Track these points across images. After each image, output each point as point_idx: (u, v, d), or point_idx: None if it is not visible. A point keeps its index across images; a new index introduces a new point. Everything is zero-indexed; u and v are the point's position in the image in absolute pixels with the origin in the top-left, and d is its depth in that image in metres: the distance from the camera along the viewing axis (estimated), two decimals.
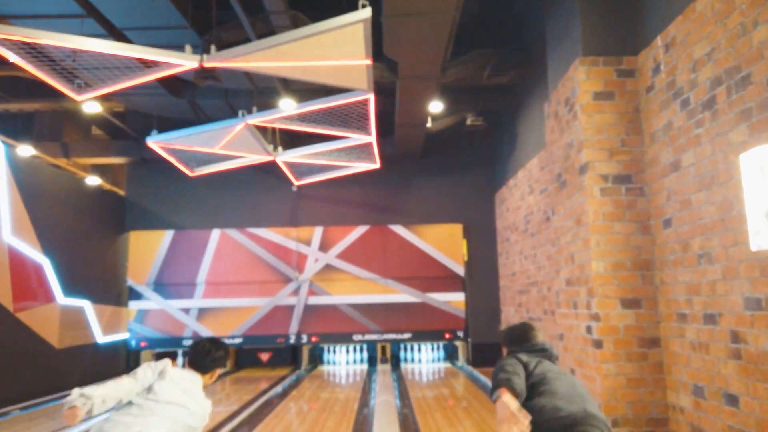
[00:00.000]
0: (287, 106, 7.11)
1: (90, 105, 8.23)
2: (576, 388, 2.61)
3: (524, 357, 2.77)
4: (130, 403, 2.74)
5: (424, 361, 11.38)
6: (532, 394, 2.57)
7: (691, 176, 4.32)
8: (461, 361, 11.03)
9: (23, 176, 8.27)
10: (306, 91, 8.03)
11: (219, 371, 3.16)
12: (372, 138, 7.72)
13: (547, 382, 2.60)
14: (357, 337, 10.92)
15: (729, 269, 3.87)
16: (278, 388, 8.74)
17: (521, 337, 2.98)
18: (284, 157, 8.73)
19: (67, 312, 9.07)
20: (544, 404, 2.49)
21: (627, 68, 5.20)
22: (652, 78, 4.91)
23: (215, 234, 11.16)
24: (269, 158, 8.67)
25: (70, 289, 9.13)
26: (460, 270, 10.98)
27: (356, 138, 7.78)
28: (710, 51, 4.05)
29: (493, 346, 10.58)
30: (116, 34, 6.51)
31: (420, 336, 10.99)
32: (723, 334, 3.95)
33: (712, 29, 4.02)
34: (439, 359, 11.44)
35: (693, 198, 4.29)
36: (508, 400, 2.35)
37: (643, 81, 5.09)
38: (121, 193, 11.34)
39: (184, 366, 3.08)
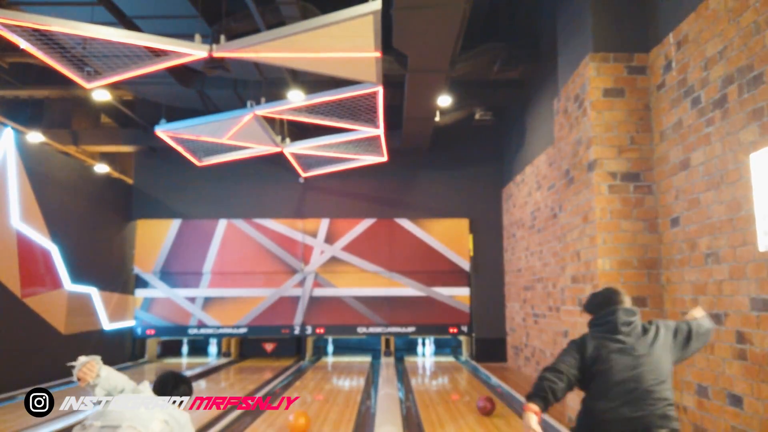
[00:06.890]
0: (296, 97, 7.11)
1: (99, 93, 8.25)
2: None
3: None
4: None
5: (428, 354, 11.41)
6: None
7: (700, 175, 4.28)
8: (465, 355, 11.04)
9: (32, 163, 8.32)
10: (315, 82, 8.02)
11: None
12: (380, 131, 7.71)
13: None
14: (361, 330, 10.95)
15: (736, 269, 3.84)
16: (282, 379, 8.78)
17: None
18: (292, 149, 8.73)
19: (74, 298, 9.14)
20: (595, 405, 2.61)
21: (638, 65, 5.15)
22: (663, 75, 4.87)
23: (222, 224, 11.20)
24: (277, 149, 8.68)
25: (77, 275, 9.19)
26: (465, 265, 10.97)
27: (364, 131, 7.77)
28: (722, 49, 4.01)
29: (497, 341, 10.65)
30: (126, 22, 6.52)
31: (424, 330, 11.01)
32: (728, 335, 3.93)
33: (725, 27, 3.98)
34: (442, 353, 11.47)
35: (701, 197, 4.26)
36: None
37: (654, 78, 5.05)
38: (129, 181, 11.38)
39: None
